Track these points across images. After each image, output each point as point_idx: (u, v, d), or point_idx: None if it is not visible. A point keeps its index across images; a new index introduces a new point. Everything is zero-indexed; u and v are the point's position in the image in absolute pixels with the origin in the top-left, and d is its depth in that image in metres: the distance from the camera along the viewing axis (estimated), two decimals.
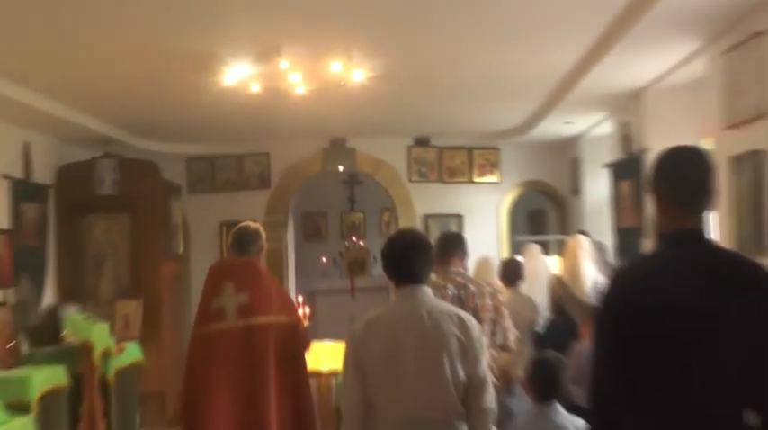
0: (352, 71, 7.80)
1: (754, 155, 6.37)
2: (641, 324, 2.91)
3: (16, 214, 9.46)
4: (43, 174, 10.22)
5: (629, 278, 3.18)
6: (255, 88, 7.98)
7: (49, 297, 10.21)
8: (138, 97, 9.13)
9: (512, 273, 8.00)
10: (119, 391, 9.59)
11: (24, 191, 9.65)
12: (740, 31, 6.56)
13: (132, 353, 9.98)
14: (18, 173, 9.54)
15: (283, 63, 7.43)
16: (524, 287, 8.27)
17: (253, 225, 6.21)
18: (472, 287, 5.72)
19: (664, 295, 2.91)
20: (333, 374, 6.81)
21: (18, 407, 7.80)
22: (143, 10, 6.13)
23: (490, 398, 4.04)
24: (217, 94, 8.45)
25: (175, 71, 7.86)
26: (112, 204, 10.72)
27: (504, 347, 5.78)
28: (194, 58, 7.38)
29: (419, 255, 4.14)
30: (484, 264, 8.72)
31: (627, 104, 9.67)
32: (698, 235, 3.01)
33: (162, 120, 10.59)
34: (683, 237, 3.01)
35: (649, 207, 3.16)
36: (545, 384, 4.20)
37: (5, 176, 9.23)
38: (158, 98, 9.15)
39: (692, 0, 6.04)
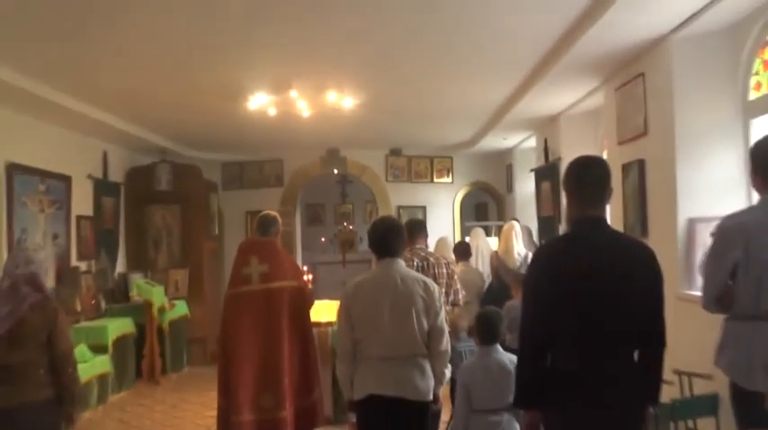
0: (344, 100, 7.85)
1: (639, 163, 6.40)
2: (557, 283, 2.94)
3: (97, 205, 9.48)
4: (116, 175, 10.23)
5: (547, 251, 3.22)
6: (272, 112, 7.99)
7: (120, 266, 10.22)
8: (185, 118, 9.14)
9: (463, 251, 8.02)
10: (171, 337, 9.63)
11: (103, 187, 9.66)
12: (627, 72, 6.62)
13: (181, 309, 10.01)
14: (99, 174, 9.56)
15: (293, 93, 7.49)
16: (472, 261, 8.28)
17: (272, 213, 6.20)
18: (432, 259, 5.74)
19: (573, 262, 2.96)
20: (329, 324, 6.81)
21: (98, 349, 7.85)
22: (187, 52, 6.19)
23: (446, 343, 4.10)
24: (243, 116, 8.49)
25: (212, 99, 7.87)
26: (167, 198, 10.71)
27: (454, 304, 5.81)
28: (226, 89, 7.42)
29: (395, 236, 4.18)
30: (442, 242, 8.74)
31: (547, 125, 9.69)
32: (598, 220, 3.05)
33: (203, 135, 10.57)
34: (587, 221, 3.05)
35: (563, 201, 3.17)
36: (487, 331, 4.21)
37: (90, 176, 9.27)
38: (200, 119, 9.13)
39: (593, 50, 6.07)
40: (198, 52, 6.18)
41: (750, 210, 3.55)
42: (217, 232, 11.92)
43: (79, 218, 8.84)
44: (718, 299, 3.42)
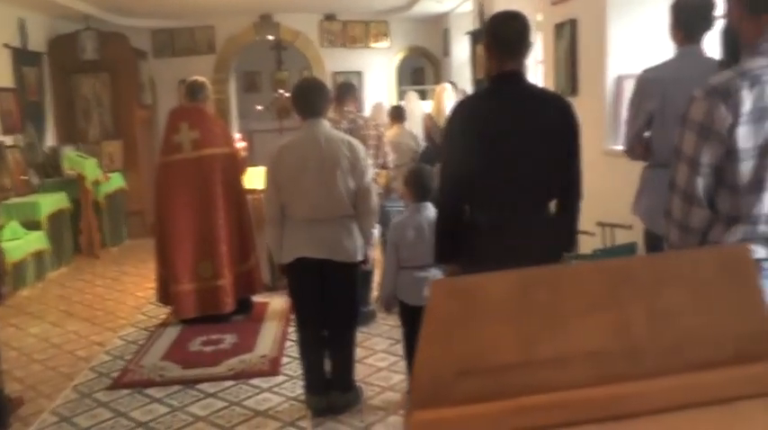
0: None
1: (571, 22, 6.32)
2: (475, 137, 2.91)
3: (19, 76, 9.02)
4: (38, 44, 9.68)
5: (466, 105, 3.16)
6: None
7: (49, 140, 9.86)
8: None
9: (397, 114, 7.90)
10: (108, 211, 9.49)
11: (23, 57, 9.15)
12: None
13: (116, 181, 9.82)
14: (16, 43, 9.04)
15: None
16: (407, 124, 8.20)
17: (200, 78, 6.02)
18: (360, 121, 5.67)
19: (491, 115, 2.92)
20: (264, 191, 6.74)
21: (32, 226, 7.70)
22: None
23: (373, 203, 4.07)
24: None
25: None
26: (95, 67, 10.21)
27: (383, 166, 5.78)
28: None
29: (317, 95, 4.05)
30: (378, 107, 8.67)
31: None
32: (516, 74, 2.98)
33: (130, 1, 10.04)
34: (506, 76, 2.98)
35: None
36: (418, 187, 4.15)
37: (6, 46, 8.75)
38: None
39: None
40: None
41: (668, 63, 3.58)
42: (150, 101, 11.56)
43: None
44: (633, 147, 3.53)
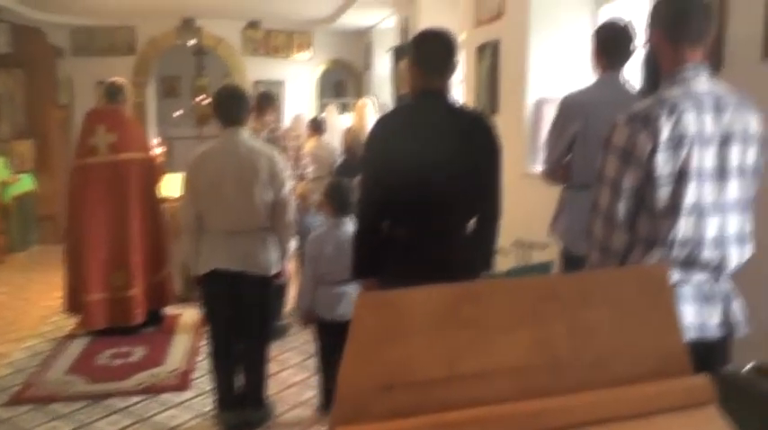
0: None
1: (493, 44, 6.45)
2: (395, 153, 2.92)
3: None
4: None
5: (387, 121, 3.17)
6: None
7: None
8: None
9: (316, 126, 7.90)
10: (17, 214, 9.12)
11: None
12: None
13: (26, 183, 9.48)
14: None
15: None
16: (326, 137, 8.21)
17: (120, 80, 5.88)
18: (280, 132, 5.69)
19: (412, 132, 2.95)
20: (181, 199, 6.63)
21: None
22: None
23: (291, 216, 4.04)
24: None
25: None
26: (8, 61, 9.82)
27: (302, 178, 5.78)
28: None
29: (238, 103, 4.00)
30: (298, 118, 8.65)
31: (407, 4, 9.55)
32: (439, 92, 3.02)
33: None
34: (429, 93, 3.02)
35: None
36: (338, 202, 4.16)
37: None
38: None
39: None
40: None
41: (590, 88, 3.69)
42: (66, 101, 11.17)
43: None
44: (554, 170, 3.60)
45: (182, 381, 4.76)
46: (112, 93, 5.73)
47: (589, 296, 1.27)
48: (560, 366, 1.24)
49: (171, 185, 6.34)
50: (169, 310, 6.13)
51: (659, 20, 2.25)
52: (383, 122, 3.14)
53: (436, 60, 3.02)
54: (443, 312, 1.23)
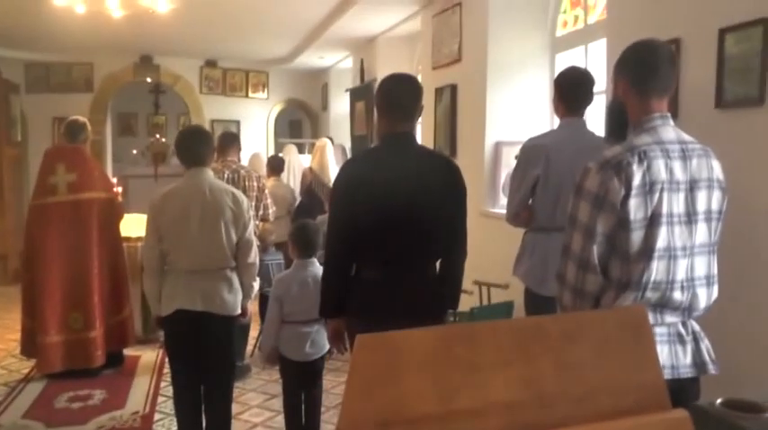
0: (158, 2, 7.35)
1: (451, 87, 6.62)
2: (363, 194, 2.99)
3: None
4: None
5: (355, 163, 3.25)
6: (80, 9, 7.36)
7: None
8: None
9: (276, 165, 7.96)
10: None
11: None
12: (445, 0, 6.74)
13: None
14: None
15: None
16: (284, 176, 8.27)
17: (81, 119, 5.83)
18: (243, 172, 5.68)
19: (379, 174, 3.01)
20: (139, 239, 6.58)
21: None
22: None
23: (254, 255, 4.05)
24: (48, 11, 7.73)
25: None
26: None
27: (264, 219, 5.80)
28: None
29: (202, 144, 4.02)
30: (255, 157, 8.68)
31: (364, 46, 9.73)
32: (406, 135, 3.11)
33: (2, 29, 9.50)
34: (397, 137, 3.10)
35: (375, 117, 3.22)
36: (304, 243, 4.20)
37: None
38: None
39: None
40: None
41: (551, 133, 3.83)
42: (20, 138, 10.93)
43: None
44: (518, 214, 3.70)
45: (144, 424, 4.71)
46: (74, 131, 5.68)
47: (574, 335, 1.35)
48: (548, 401, 1.31)
49: (129, 225, 6.33)
50: (129, 351, 6.05)
51: (627, 71, 2.35)
52: (351, 165, 3.22)
53: (401, 105, 3.11)
54: (438, 352, 1.29)
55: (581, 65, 5.26)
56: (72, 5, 7.25)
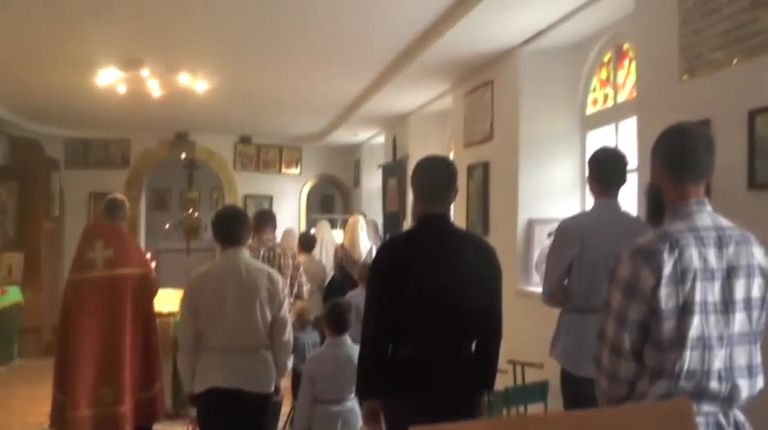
0: (196, 83, 7.66)
1: (483, 165, 6.66)
2: (401, 276, 3.00)
3: None
4: None
5: (393, 245, 3.28)
6: (122, 89, 7.66)
7: None
8: (27, 88, 8.60)
9: (307, 242, 8.01)
10: (1, 327, 8.97)
11: None
12: (477, 78, 6.87)
13: (13, 295, 9.34)
14: None
15: (145, 71, 7.26)
16: (316, 252, 8.31)
17: (120, 196, 5.94)
18: (278, 250, 5.72)
19: (417, 256, 3.04)
20: (171, 315, 6.63)
21: None
22: (35, 18, 5.87)
23: (288, 334, 4.08)
24: (91, 91, 8.06)
25: (59, 70, 7.52)
26: (3, 174, 9.87)
27: (299, 296, 5.81)
28: (75, 61, 7.10)
29: (239, 225, 4.12)
30: (288, 234, 8.74)
31: (397, 123, 9.87)
32: (442, 217, 3.14)
33: (46, 107, 9.89)
34: (432, 218, 3.13)
35: (409, 197, 3.26)
36: (337, 322, 4.22)
37: None
38: (44, 90, 8.65)
39: (445, 54, 6.26)
40: (47, 18, 5.86)
41: (586, 214, 3.84)
42: (57, 213, 11.19)
43: None
44: (553, 294, 3.69)
45: None
46: (113, 208, 5.78)
47: (622, 427, 1.34)
48: None
49: (161, 300, 6.37)
50: (158, 426, 6.02)
51: (662, 156, 2.34)
52: (388, 247, 3.25)
53: (437, 188, 3.15)
54: None
55: (612, 143, 5.30)
56: (114, 85, 7.52)
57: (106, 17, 5.80)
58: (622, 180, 3.69)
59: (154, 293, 5.89)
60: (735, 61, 3.50)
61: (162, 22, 5.95)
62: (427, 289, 2.98)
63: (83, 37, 6.38)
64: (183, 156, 12.52)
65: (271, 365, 4.02)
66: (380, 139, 11.22)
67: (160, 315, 6.23)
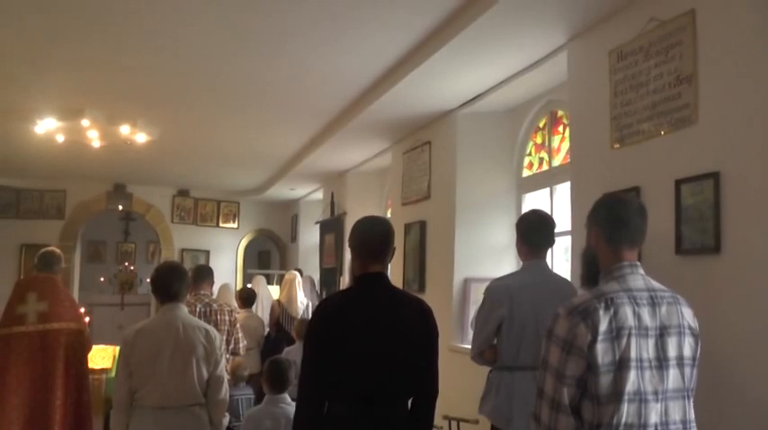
0: (137, 134, 7.62)
1: (420, 224, 6.76)
2: (337, 335, 3.03)
3: None
4: None
5: (329, 304, 3.30)
6: (61, 138, 7.57)
7: None
8: None
9: (247, 297, 7.97)
10: None
11: None
12: (415, 139, 7.02)
13: None
14: None
15: (85, 122, 7.18)
16: (254, 308, 8.26)
17: (57, 250, 5.83)
18: (215, 306, 5.67)
19: (353, 315, 3.07)
20: (103, 371, 6.50)
21: None
22: None
23: (224, 392, 4.03)
24: (27, 140, 7.93)
25: None
26: None
27: (235, 353, 5.76)
28: (12, 108, 7.01)
29: (179, 281, 4.08)
30: (225, 289, 8.61)
31: (335, 179, 9.96)
32: (380, 277, 3.18)
33: None
34: (370, 278, 3.17)
35: (346, 253, 3.31)
36: (277, 379, 4.21)
37: None
38: None
39: (384, 114, 6.41)
40: None
41: (515, 274, 3.95)
42: None
43: None
44: (482, 352, 3.78)
45: None
46: (50, 262, 5.67)
47: None
48: None
49: (93, 356, 6.23)
50: None
51: (598, 223, 2.48)
52: (325, 305, 3.27)
53: (373, 247, 3.19)
54: None
55: (547, 206, 5.46)
56: (53, 134, 7.44)
57: (46, 65, 5.77)
58: (549, 242, 3.83)
59: (88, 349, 5.76)
60: (662, 132, 3.68)
61: (104, 73, 5.93)
62: (363, 350, 3.01)
63: (23, 85, 6.32)
64: (120, 208, 12.36)
65: (206, 423, 3.95)
66: (318, 195, 11.29)
67: (93, 371, 6.10)
